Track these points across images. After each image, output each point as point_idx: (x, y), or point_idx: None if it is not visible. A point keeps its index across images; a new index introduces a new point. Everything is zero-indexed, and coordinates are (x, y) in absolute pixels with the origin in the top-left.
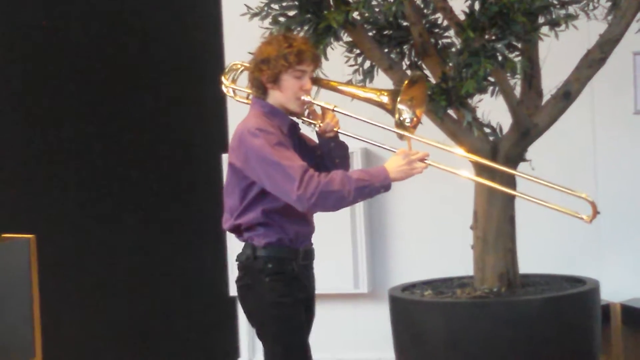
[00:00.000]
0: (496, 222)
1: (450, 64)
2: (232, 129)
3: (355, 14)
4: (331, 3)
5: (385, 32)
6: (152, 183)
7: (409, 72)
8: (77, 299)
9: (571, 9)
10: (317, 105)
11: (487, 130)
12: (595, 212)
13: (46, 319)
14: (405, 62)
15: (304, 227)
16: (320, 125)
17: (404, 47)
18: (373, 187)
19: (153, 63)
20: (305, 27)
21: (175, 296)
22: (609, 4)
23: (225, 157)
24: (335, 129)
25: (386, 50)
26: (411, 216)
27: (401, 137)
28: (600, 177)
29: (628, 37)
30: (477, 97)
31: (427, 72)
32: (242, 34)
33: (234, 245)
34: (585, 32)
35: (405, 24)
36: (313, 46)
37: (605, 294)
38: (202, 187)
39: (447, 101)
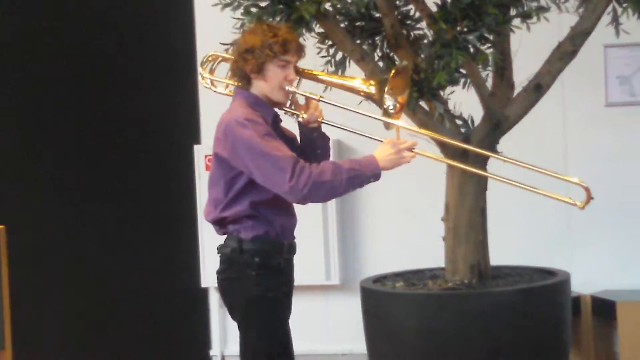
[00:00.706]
0: (467, 214)
1: (422, 56)
2: (205, 120)
3: (328, 5)
4: None
5: (358, 24)
6: (123, 174)
7: (380, 63)
8: (47, 291)
9: (543, 1)
10: (303, 95)
11: (459, 122)
12: (589, 197)
13: (17, 311)
14: (377, 54)
15: (289, 220)
16: (304, 116)
17: (376, 38)
18: (364, 176)
19: (124, 53)
20: (277, 18)
21: (147, 287)
22: None
23: (197, 148)
24: (319, 119)
25: (358, 41)
26: (383, 208)
27: (387, 126)
28: (571, 169)
29: (599, 30)
30: (449, 89)
31: (398, 63)
32: (214, 25)
33: (207, 237)
34: (556, 24)
35: (377, 15)
36: (297, 36)
37: (576, 285)
38: (174, 178)
39: (418, 93)
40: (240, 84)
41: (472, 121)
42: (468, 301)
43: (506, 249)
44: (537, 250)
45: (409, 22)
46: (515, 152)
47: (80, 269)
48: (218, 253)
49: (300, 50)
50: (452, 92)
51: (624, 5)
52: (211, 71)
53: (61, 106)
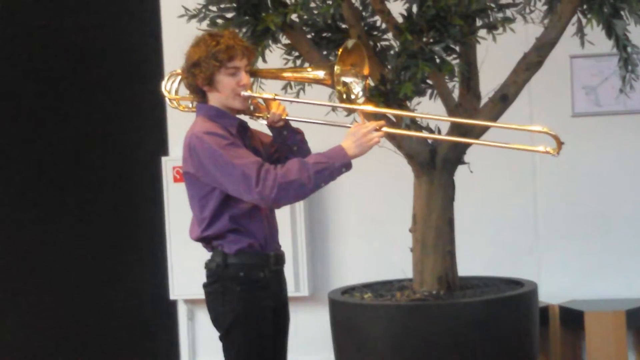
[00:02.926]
0: (435, 224)
1: (389, 67)
2: (172, 132)
3: (294, 16)
4: (269, 5)
5: (324, 35)
6: (91, 186)
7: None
8: (16, 301)
9: (508, 12)
10: (259, 97)
11: (426, 132)
12: (560, 144)
13: None
14: None
15: (271, 229)
16: (267, 117)
17: None
18: (333, 167)
19: (91, 65)
20: (244, 29)
21: (116, 299)
22: (545, 7)
23: (165, 160)
24: (283, 117)
25: (325, 52)
26: (351, 219)
27: (349, 112)
28: (538, 179)
29: (565, 41)
30: (415, 100)
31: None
32: (180, 36)
33: (175, 249)
34: (522, 35)
35: (343, 26)
36: (241, 40)
37: (544, 296)
38: (142, 190)
39: (385, 103)
40: (198, 98)
41: (439, 132)
42: (436, 312)
43: (474, 259)
44: (505, 260)
45: (375, 33)
46: (483, 162)
47: (47, 283)
48: (205, 268)
49: (248, 53)
50: (418, 103)
51: (588, 16)
52: (176, 91)
53: (25, 119)
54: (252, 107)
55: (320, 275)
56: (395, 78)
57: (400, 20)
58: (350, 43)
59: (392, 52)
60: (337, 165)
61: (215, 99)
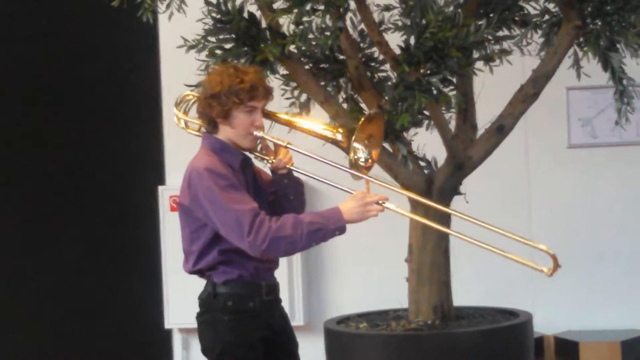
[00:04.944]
0: (431, 254)
1: (386, 98)
2: (169, 161)
3: (292, 47)
4: (267, 36)
5: (322, 66)
6: (87, 215)
7: (345, 105)
8: (10, 328)
9: (505, 45)
10: (271, 140)
11: (422, 163)
12: (556, 265)
13: None
14: (342, 96)
15: (263, 262)
16: (273, 161)
17: (340, 80)
18: (327, 229)
19: (90, 94)
20: (242, 60)
21: (111, 328)
22: (542, 40)
23: (161, 190)
24: (287, 166)
25: (322, 83)
26: (347, 248)
27: (356, 177)
28: (534, 210)
29: (561, 73)
30: (412, 131)
31: (363, 105)
32: (179, 66)
33: (171, 279)
34: (519, 67)
35: (341, 57)
36: (264, 80)
37: (539, 326)
38: (138, 220)
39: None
40: (207, 128)
41: (436, 163)
42: (430, 342)
43: (469, 289)
44: (500, 291)
45: (373, 64)
46: (479, 193)
47: (44, 310)
48: (198, 298)
49: (267, 94)
50: (415, 134)
51: (585, 48)
52: (185, 112)
53: (30, 144)
54: (259, 148)
55: (315, 305)
56: (393, 109)
57: (397, 51)
58: (373, 112)
59: (389, 83)
60: (331, 228)
61: (225, 133)
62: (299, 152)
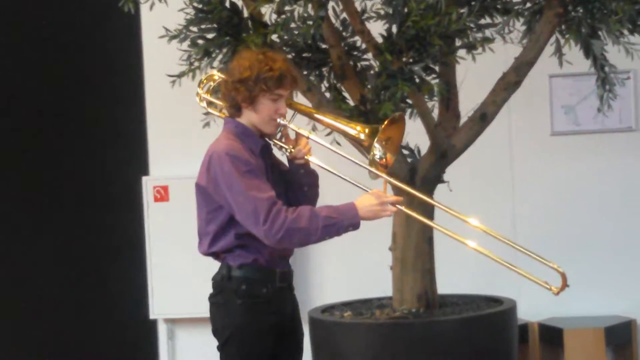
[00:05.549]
0: (415, 243)
1: (369, 86)
2: (153, 151)
3: (274, 37)
4: (249, 26)
5: (304, 55)
6: (70, 206)
7: (327, 94)
8: None
9: (487, 33)
10: (293, 130)
11: (405, 152)
12: (565, 284)
13: None
14: (324, 85)
15: (278, 249)
16: (291, 150)
17: (323, 69)
18: (341, 225)
19: (73, 83)
20: (224, 50)
21: (96, 318)
22: (524, 27)
23: (145, 180)
24: (306, 157)
25: (305, 72)
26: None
27: (373, 176)
28: (517, 198)
29: (544, 60)
30: None
31: (345, 94)
32: (161, 56)
33: (155, 269)
34: (502, 55)
35: (324, 46)
36: (292, 69)
37: (523, 313)
38: (122, 210)
39: (365, 122)
40: (230, 110)
41: (419, 151)
42: (415, 330)
43: (453, 277)
44: (485, 278)
45: (355, 53)
46: (463, 181)
47: (25, 301)
48: (212, 280)
49: (294, 83)
50: None
51: (567, 36)
52: (208, 91)
53: (4, 136)
54: (279, 136)
55: (299, 293)
56: (375, 98)
57: (380, 40)
58: (397, 115)
59: (371, 72)
60: (345, 223)
61: (248, 117)
62: (320, 144)
